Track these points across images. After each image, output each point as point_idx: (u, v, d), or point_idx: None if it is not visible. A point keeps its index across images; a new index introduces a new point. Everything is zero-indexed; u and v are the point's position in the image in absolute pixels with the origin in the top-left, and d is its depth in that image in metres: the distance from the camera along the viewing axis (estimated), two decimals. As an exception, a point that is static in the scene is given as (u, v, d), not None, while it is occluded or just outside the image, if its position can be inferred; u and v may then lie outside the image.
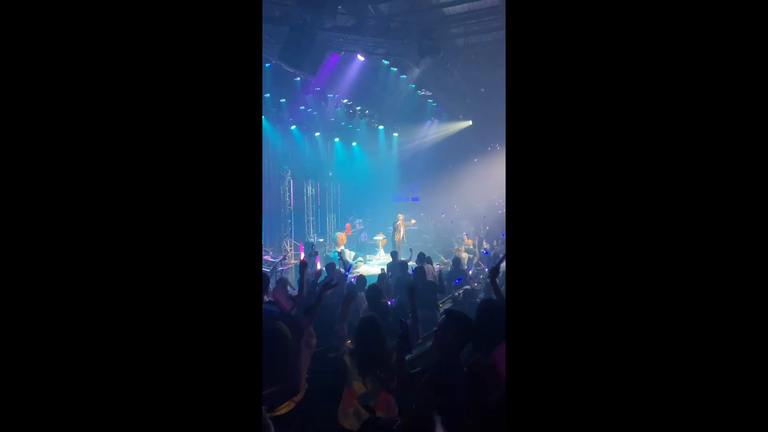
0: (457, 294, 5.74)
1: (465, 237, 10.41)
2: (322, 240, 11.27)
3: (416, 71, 7.41)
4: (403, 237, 10.50)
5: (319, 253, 7.72)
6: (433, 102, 10.56)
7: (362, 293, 4.81)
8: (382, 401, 1.96)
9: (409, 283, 3.75)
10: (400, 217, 10.87)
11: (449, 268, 6.64)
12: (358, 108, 10.55)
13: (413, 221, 11.04)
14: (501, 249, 8.39)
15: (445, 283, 5.28)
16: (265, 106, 9.01)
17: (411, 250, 7.30)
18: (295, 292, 3.39)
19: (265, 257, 7.58)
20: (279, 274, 7.23)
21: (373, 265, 9.90)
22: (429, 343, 3.87)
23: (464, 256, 9.00)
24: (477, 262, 8.85)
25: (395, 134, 13.04)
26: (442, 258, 7.91)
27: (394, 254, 7.24)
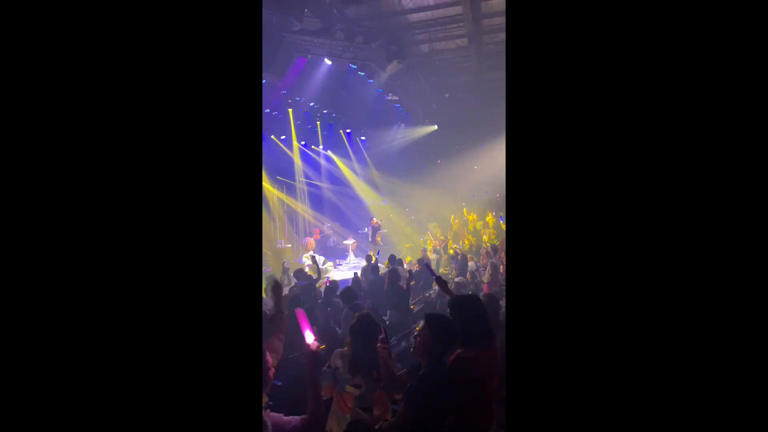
0: (428, 294, 5.84)
1: (429, 234, 10.57)
2: (290, 245, 11.05)
3: (383, 76, 7.49)
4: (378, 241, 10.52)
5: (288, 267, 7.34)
6: (400, 107, 10.70)
7: (336, 299, 4.79)
8: (379, 400, 1.95)
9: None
10: (374, 220, 10.88)
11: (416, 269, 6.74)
12: (324, 111, 10.48)
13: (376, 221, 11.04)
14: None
15: (413, 284, 5.34)
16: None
17: (379, 252, 7.34)
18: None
19: None
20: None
21: (343, 270, 9.84)
22: (403, 344, 3.92)
23: (432, 257, 9.16)
24: (445, 263, 9.03)
25: (362, 138, 13.07)
26: (412, 260, 8.02)
27: (368, 258, 7.24)
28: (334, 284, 5.13)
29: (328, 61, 7.40)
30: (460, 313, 1.81)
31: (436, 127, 12.84)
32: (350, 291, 3.86)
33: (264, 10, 5.18)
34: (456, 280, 6.93)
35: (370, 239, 10.37)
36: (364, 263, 7.23)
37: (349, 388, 1.98)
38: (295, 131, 11.16)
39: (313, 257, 7.76)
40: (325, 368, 2.12)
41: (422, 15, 7.72)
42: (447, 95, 11.11)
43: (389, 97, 9.62)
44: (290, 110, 9.96)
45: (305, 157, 12.44)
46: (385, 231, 12.36)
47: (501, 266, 6.37)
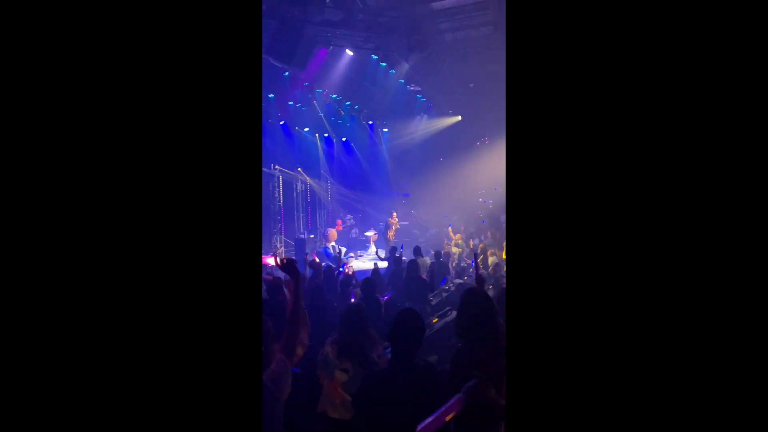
0: (448, 287, 5.80)
1: (449, 230, 10.48)
2: (312, 236, 11.23)
3: (405, 66, 7.40)
4: (392, 235, 10.55)
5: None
6: (423, 97, 10.57)
7: (357, 289, 4.84)
8: None
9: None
10: (395, 214, 10.90)
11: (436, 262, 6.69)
12: (347, 103, 10.50)
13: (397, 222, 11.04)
14: (501, 237, 8.44)
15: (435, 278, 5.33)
16: (253, 102, 8.91)
17: (402, 246, 7.34)
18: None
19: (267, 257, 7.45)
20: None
21: (364, 261, 9.92)
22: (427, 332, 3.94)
23: (454, 251, 9.06)
24: (465, 257, 8.93)
25: (385, 129, 13.03)
26: (432, 253, 7.97)
27: (393, 250, 7.27)
28: (349, 276, 5.18)
29: (349, 52, 7.39)
30: (467, 308, 1.79)
31: (460, 117, 12.63)
32: (368, 281, 3.89)
33: (285, 1, 5.21)
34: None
35: (383, 232, 10.44)
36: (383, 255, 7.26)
37: (338, 374, 2.03)
38: (318, 123, 11.26)
39: (334, 248, 7.85)
40: (319, 356, 2.20)
41: (446, 3, 7.55)
42: (472, 85, 10.87)
43: (411, 88, 9.52)
44: (315, 102, 10.04)
45: (328, 149, 12.54)
46: (405, 223, 12.32)
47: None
